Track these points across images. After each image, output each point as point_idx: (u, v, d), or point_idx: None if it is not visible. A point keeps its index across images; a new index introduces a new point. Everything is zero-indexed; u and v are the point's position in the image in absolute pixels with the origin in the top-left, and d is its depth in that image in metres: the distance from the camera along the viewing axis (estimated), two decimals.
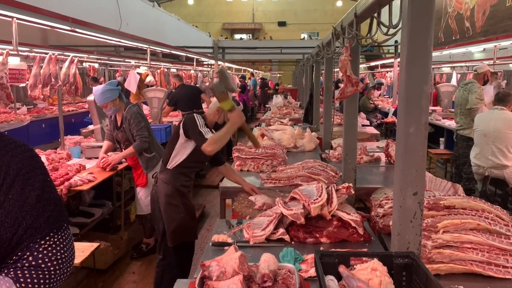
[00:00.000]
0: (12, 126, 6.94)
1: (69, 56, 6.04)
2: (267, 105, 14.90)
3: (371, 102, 10.91)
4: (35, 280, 1.09)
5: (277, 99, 10.69)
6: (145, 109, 8.22)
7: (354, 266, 1.72)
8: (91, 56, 8.88)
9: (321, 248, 2.26)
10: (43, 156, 4.39)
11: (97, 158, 4.80)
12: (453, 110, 8.74)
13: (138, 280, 4.10)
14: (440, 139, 7.84)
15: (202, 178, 7.42)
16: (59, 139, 5.29)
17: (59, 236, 1.17)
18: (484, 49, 9.17)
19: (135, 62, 9.58)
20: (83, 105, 9.93)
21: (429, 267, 1.88)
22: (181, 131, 3.17)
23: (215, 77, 9.19)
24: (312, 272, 1.94)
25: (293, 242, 2.35)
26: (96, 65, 10.95)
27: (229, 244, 2.25)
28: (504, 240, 1.94)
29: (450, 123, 7.51)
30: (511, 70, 10.25)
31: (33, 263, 1.10)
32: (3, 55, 4.44)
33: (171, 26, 20.99)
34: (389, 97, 13.83)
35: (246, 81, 16.61)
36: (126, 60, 10.44)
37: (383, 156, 4.49)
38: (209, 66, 15.06)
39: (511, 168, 4.76)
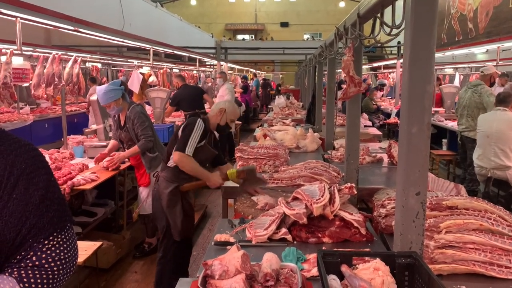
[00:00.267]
0: (15, 126, 6.97)
1: (72, 56, 6.06)
2: (269, 106, 14.91)
3: (373, 103, 10.91)
4: (39, 280, 1.09)
5: (280, 100, 10.70)
6: (148, 109, 8.24)
7: (357, 266, 1.72)
8: (94, 56, 8.89)
9: (323, 248, 2.26)
10: (46, 156, 4.41)
11: None
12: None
13: (140, 279, 4.11)
14: (443, 140, 7.83)
15: None
16: (62, 139, 5.31)
17: (63, 236, 1.16)
18: (487, 50, 9.15)
19: (137, 62, 9.58)
20: (85, 105, 9.95)
21: (431, 267, 1.87)
22: (180, 131, 3.21)
23: (217, 77, 9.18)
24: (314, 271, 1.94)
25: (295, 242, 2.35)
26: (99, 65, 10.97)
27: (231, 244, 2.25)
28: (507, 241, 1.94)
29: (452, 124, 7.49)
30: None
31: (37, 263, 1.10)
32: (7, 54, 4.46)
33: (173, 26, 21.03)
34: (391, 98, 13.82)
35: (248, 82, 16.61)
36: (129, 60, 10.45)
37: (386, 157, 4.49)
38: (212, 66, 15.07)
39: None
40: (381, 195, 2.84)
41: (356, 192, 2.51)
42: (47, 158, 4.30)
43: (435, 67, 10.90)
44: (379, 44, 2.60)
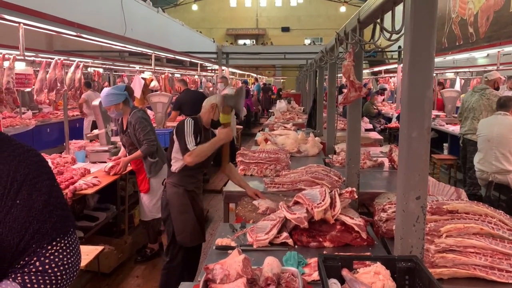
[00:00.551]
0: (17, 131, 6.99)
1: (74, 61, 6.09)
2: (270, 110, 14.94)
3: (374, 107, 10.91)
4: (42, 286, 1.09)
5: (281, 104, 10.72)
6: (150, 114, 8.27)
7: (357, 270, 1.72)
8: (95, 61, 8.93)
9: (324, 252, 2.27)
10: (49, 160, 4.42)
11: (102, 162, 4.84)
12: (456, 115, 8.75)
13: (142, 283, 4.11)
14: (444, 144, 7.83)
15: (205, 182, 7.44)
16: (64, 143, 5.33)
17: (66, 241, 1.17)
18: (488, 54, 9.16)
19: (139, 67, 9.63)
20: (83, 110, 9.98)
21: (432, 271, 1.88)
22: (174, 136, 3.22)
23: (218, 82, 9.19)
24: (315, 275, 1.95)
25: (296, 246, 2.36)
26: (101, 70, 11.01)
27: (232, 248, 2.26)
28: (507, 245, 1.95)
29: (454, 129, 7.50)
30: None
31: (40, 268, 1.10)
32: (10, 60, 4.48)
33: (175, 31, 21.11)
34: (392, 103, 13.83)
35: (248, 86, 16.65)
36: (131, 65, 10.50)
37: (387, 161, 4.50)
38: (213, 71, 15.12)
39: None
40: (382, 200, 2.84)
41: (357, 197, 2.52)
42: (49, 163, 4.31)
43: (436, 72, 10.90)
44: (379, 49, 2.61)
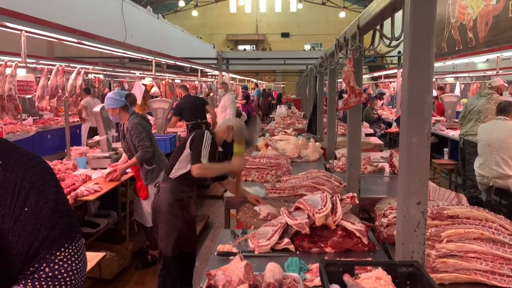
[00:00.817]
0: (18, 137, 7.01)
1: (75, 67, 6.12)
2: (270, 116, 14.96)
3: (374, 112, 10.93)
4: None
5: (281, 109, 10.74)
6: (150, 120, 8.28)
7: (359, 275, 1.73)
8: (96, 68, 8.97)
9: (326, 258, 2.27)
10: None
11: (103, 168, 4.85)
12: (456, 120, 8.76)
13: None
14: (444, 149, 7.84)
15: (206, 188, 7.44)
16: (65, 150, 5.34)
17: (73, 247, 1.18)
18: (487, 59, 9.19)
19: (140, 73, 9.66)
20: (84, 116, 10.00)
21: (433, 276, 1.89)
22: (188, 143, 3.22)
23: (219, 88, 9.21)
24: (317, 281, 1.95)
25: (298, 252, 2.37)
26: (101, 76, 11.05)
27: (234, 254, 2.26)
28: (508, 250, 1.95)
29: (454, 133, 7.51)
30: None
31: (50, 274, 1.12)
32: (12, 67, 4.51)
33: (175, 37, 21.17)
34: (392, 107, 13.86)
35: (248, 91, 16.68)
36: (131, 72, 10.54)
37: (387, 166, 4.50)
38: (213, 76, 15.16)
39: None
40: (383, 205, 2.85)
41: (358, 202, 2.53)
42: None
43: (436, 77, 10.92)
44: (379, 55, 2.63)
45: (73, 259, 1.17)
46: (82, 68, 6.50)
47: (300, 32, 36.55)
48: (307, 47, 35.41)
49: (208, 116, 8.26)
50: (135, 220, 4.90)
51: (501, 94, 6.19)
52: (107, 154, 4.99)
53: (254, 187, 3.78)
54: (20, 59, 4.06)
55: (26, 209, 1.09)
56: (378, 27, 2.40)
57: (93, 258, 3.25)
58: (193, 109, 7.69)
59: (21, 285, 1.10)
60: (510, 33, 8.61)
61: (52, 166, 4.38)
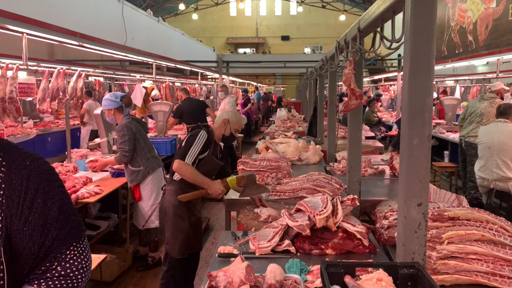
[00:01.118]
0: (18, 140, 7.02)
1: (76, 70, 6.13)
2: (270, 119, 14.97)
3: (375, 115, 10.94)
4: None
5: (281, 112, 10.75)
6: (150, 123, 8.30)
7: (360, 277, 1.73)
8: (96, 71, 8.99)
9: (327, 259, 2.27)
10: None
11: (104, 171, 4.86)
12: (457, 123, 8.76)
13: None
14: (445, 152, 7.84)
15: None
16: (66, 152, 5.34)
17: (81, 245, 1.22)
18: (487, 62, 9.22)
19: (140, 76, 9.68)
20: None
21: (434, 278, 1.89)
22: (183, 141, 3.24)
23: (219, 91, 9.21)
24: (318, 283, 1.95)
25: (298, 254, 2.37)
26: (101, 79, 11.07)
27: (235, 256, 2.26)
28: (509, 251, 1.96)
29: (454, 136, 7.52)
30: None
31: (62, 272, 1.15)
32: (13, 69, 4.52)
33: (175, 40, 21.23)
34: (392, 110, 13.87)
35: (248, 95, 16.70)
36: (132, 74, 10.56)
37: (388, 168, 4.51)
38: (213, 80, 15.18)
39: None
40: (383, 207, 2.85)
41: (358, 204, 2.53)
42: None
43: (436, 80, 10.93)
44: (379, 57, 2.64)
45: (82, 257, 1.20)
46: (83, 71, 6.52)
47: (300, 35, 36.62)
48: (307, 50, 35.46)
49: (209, 119, 8.28)
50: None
51: (502, 98, 6.21)
52: (107, 157, 4.99)
53: None
54: (21, 62, 4.07)
55: (34, 209, 1.11)
56: (378, 29, 2.40)
57: (93, 260, 3.25)
58: (194, 112, 7.70)
59: (34, 285, 1.12)
60: (510, 36, 8.64)
61: None
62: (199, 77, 12.01)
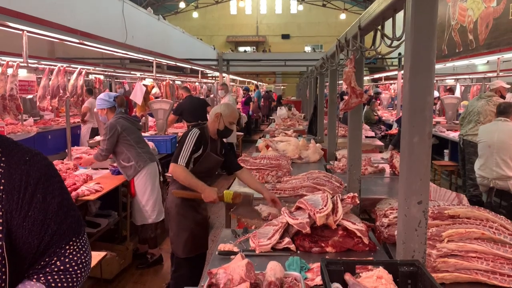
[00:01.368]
0: (19, 138, 7.01)
1: (76, 68, 6.13)
2: (270, 117, 14.98)
3: (375, 114, 10.93)
4: (65, 284, 1.14)
5: (281, 111, 10.74)
6: (151, 121, 8.30)
7: (360, 274, 1.73)
8: (97, 69, 8.99)
9: (327, 257, 2.27)
10: None
11: (104, 168, 4.87)
12: (457, 122, 8.76)
13: None
14: (445, 150, 7.84)
15: None
16: (66, 150, 5.35)
17: (81, 240, 1.22)
18: (487, 61, 9.21)
19: (140, 74, 9.68)
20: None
21: (434, 276, 1.89)
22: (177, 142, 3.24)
23: (219, 89, 9.19)
24: (318, 280, 1.96)
25: (298, 252, 2.37)
26: (102, 77, 11.07)
27: (235, 253, 2.27)
28: (509, 249, 1.96)
29: (454, 135, 7.51)
30: None
31: (62, 267, 1.15)
32: (14, 67, 4.52)
33: (176, 39, 21.21)
34: (392, 109, 13.87)
35: (250, 93, 16.70)
36: (132, 72, 10.55)
37: (388, 167, 4.51)
38: (214, 78, 15.18)
39: None
40: (383, 205, 2.85)
41: (358, 202, 2.53)
42: None
43: (436, 78, 10.92)
44: (380, 56, 2.64)
45: (81, 252, 1.20)
46: (83, 68, 6.51)
47: (301, 33, 36.61)
48: (307, 48, 35.47)
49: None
50: None
51: (501, 96, 6.20)
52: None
53: None
54: (21, 59, 4.07)
55: (34, 204, 1.11)
56: (379, 27, 2.40)
57: (94, 258, 3.25)
58: (194, 110, 7.71)
59: (34, 280, 1.12)
60: (511, 35, 8.63)
61: None
62: (200, 75, 12.02)
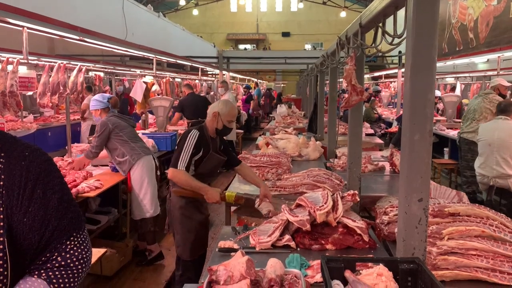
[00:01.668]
0: (19, 134, 7.00)
1: (76, 65, 6.12)
2: (270, 115, 14.97)
3: (375, 112, 10.93)
4: (66, 280, 1.15)
5: (281, 109, 10.75)
6: (151, 118, 8.30)
7: (360, 271, 1.73)
8: (97, 66, 8.97)
9: (327, 255, 2.27)
10: None
11: (104, 165, 4.87)
12: (458, 120, 8.77)
13: (143, 286, 4.11)
14: (445, 149, 7.84)
15: None
16: (66, 147, 5.34)
17: (81, 236, 1.22)
18: (488, 59, 9.20)
19: (140, 72, 9.67)
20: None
21: (434, 273, 1.89)
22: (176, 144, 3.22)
23: (219, 87, 9.19)
24: (318, 277, 1.96)
25: (298, 249, 2.37)
26: (102, 74, 11.06)
27: (235, 250, 2.27)
28: (509, 247, 1.96)
29: (454, 133, 7.51)
30: None
31: (63, 263, 1.15)
32: (14, 63, 4.51)
33: (176, 36, 21.17)
34: (393, 107, 13.86)
35: (250, 91, 16.69)
36: (132, 70, 10.54)
37: (388, 165, 4.51)
38: (214, 75, 15.16)
39: None
40: (383, 203, 2.86)
41: (358, 199, 2.53)
42: None
43: (436, 77, 10.93)
44: (380, 54, 2.63)
45: (82, 247, 1.20)
46: (83, 65, 6.51)
47: (301, 31, 36.56)
48: (307, 46, 35.42)
49: None
50: None
51: (500, 94, 6.18)
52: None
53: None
54: (21, 56, 4.06)
55: (34, 200, 1.11)
56: (380, 24, 2.40)
57: (94, 254, 3.24)
58: (195, 108, 7.71)
59: (35, 276, 1.12)
60: (511, 33, 8.60)
61: None
62: (200, 73, 12.00)
